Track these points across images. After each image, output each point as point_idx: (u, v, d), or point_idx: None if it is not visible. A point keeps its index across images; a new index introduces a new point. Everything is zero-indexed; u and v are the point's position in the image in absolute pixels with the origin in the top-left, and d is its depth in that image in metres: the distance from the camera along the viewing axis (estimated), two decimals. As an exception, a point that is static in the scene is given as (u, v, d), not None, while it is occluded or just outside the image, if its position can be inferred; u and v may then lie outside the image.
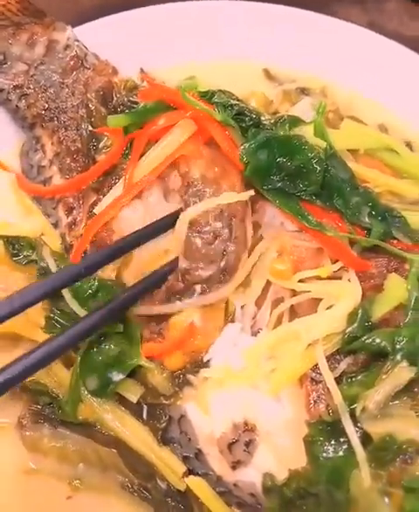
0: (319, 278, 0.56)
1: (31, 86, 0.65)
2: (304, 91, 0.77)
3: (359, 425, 0.44)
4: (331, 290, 0.53)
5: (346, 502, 0.43)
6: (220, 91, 0.61)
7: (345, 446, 0.44)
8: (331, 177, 0.59)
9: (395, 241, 0.60)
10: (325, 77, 0.80)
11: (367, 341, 0.48)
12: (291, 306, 0.56)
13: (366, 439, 0.44)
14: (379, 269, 0.57)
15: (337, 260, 0.56)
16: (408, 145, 0.78)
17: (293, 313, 0.55)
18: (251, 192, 0.55)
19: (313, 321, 0.52)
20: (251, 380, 0.52)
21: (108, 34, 0.72)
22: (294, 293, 0.56)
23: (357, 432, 0.44)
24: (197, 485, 0.50)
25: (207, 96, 0.61)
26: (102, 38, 0.71)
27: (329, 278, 0.56)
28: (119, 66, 0.72)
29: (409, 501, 0.43)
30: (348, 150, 0.69)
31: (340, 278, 0.55)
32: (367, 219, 0.60)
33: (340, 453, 0.44)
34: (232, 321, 0.56)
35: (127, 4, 0.86)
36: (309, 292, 0.54)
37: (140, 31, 0.74)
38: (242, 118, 0.59)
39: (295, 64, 0.80)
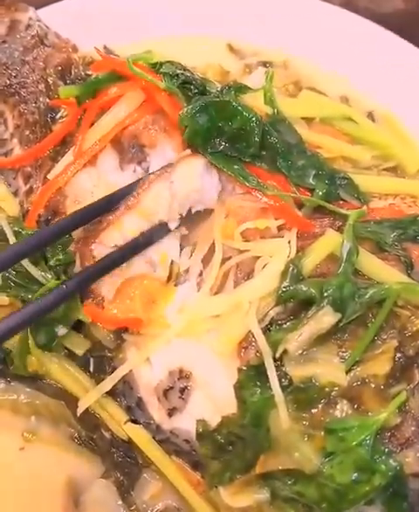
0: (262, 237, 0.59)
1: (-7, 63, 0.69)
2: (265, 64, 0.80)
3: (282, 368, 0.46)
4: (266, 248, 0.55)
5: (267, 442, 0.45)
6: (169, 62, 0.64)
7: (268, 390, 0.46)
8: (275, 141, 0.62)
9: (343, 202, 0.63)
10: (288, 51, 0.83)
11: (295, 289, 0.50)
12: (237, 265, 0.59)
13: (287, 381, 0.46)
14: (323, 228, 0.59)
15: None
16: (370, 115, 0.80)
17: (240, 268, 0.58)
18: (188, 151, 0.58)
19: (251, 285, 0.54)
20: (192, 335, 0.55)
21: (72, 14, 0.76)
22: (239, 251, 0.59)
23: (280, 375, 0.46)
24: (136, 433, 0.52)
25: (155, 67, 0.64)
26: (66, 17, 0.75)
27: (274, 237, 0.59)
28: (83, 45, 0.76)
29: (331, 443, 0.45)
30: (304, 119, 0.72)
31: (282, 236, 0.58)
32: (312, 181, 0.62)
33: (264, 396, 0.46)
34: (176, 283, 0.59)
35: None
36: (249, 251, 0.57)
37: (104, 9, 0.77)
38: (188, 86, 0.62)
39: (259, 39, 0.83)
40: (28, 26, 0.72)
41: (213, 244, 0.60)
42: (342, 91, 0.79)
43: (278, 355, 0.46)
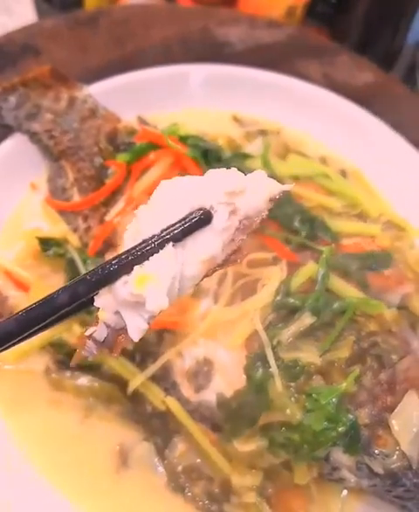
0: (262, 265, 0.88)
1: (57, 130, 0.98)
2: (262, 132, 1.11)
3: (277, 354, 0.74)
4: (265, 273, 0.84)
5: (266, 404, 0.73)
6: (192, 136, 0.95)
7: (267, 368, 0.74)
8: (271, 195, 0.92)
9: (320, 239, 0.93)
10: (280, 121, 1.14)
11: (285, 301, 0.78)
12: (243, 285, 0.87)
13: (281, 362, 0.74)
14: (305, 259, 0.88)
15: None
16: (343, 172, 1.11)
17: (245, 288, 0.86)
18: None
19: (255, 298, 0.82)
20: (213, 336, 0.82)
21: (115, 90, 1.06)
22: (245, 274, 0.87)
23: (275, 358, 0.74)
24: (173, 403, 0.79)
25: (182, 139, 0.95)
26: (110, 93, 1.05)
27: (270, 265, 0.88)
28: (122, 114, 1.06)
29: (309, 402, 0.73)
30: (291, 177, 1.02)
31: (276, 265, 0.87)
32: (297, 225, 0.92)
33: (264, 372, 0.74)
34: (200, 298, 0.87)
35: (126, 63, 1.22)
36: (252, 275, 0.85)
37: (138, 87, 1.08)
38: (207, 154, 0.93)
39: (258, 111, 1.14)
40: (83, 101, 1.02)
41: (226, 270, 0.89)
42: (321, 153, 1.10)
43: (274, 344, 0.74)
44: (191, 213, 0.49)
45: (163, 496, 0.82)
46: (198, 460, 0.82)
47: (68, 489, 0.82)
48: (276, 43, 1.37)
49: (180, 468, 0.83)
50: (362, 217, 1.02)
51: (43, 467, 0.83)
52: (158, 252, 0.48)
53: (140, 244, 0.48)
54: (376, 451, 0.75)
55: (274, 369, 0.72)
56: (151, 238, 0.48)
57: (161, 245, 0.48)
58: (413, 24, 1.58)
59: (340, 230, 0.95)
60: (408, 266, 0.99)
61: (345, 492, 0.85)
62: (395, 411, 0.76)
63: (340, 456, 0.76)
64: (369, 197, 1.05)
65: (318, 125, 1.12)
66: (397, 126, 1.20)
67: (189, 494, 0.82)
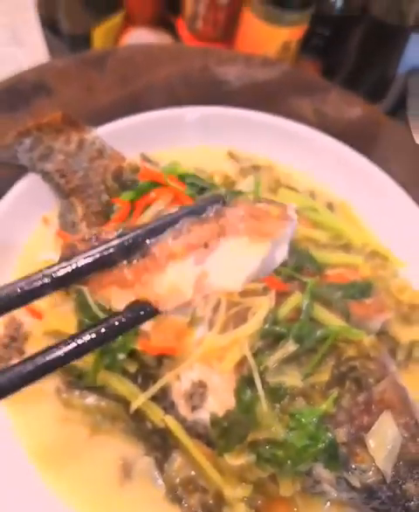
0: (253, 294, 0.98)
1: (68, 170, 1.09)
2: (255, 167, 1.21)
3: (263, 378, 0.84)
4: (255, 302, 0.93)
5: (254, 423, 0.82)
6: (190, 175, 1.05)
7: (255, 391, 0.83)
8: (261, 230, 1.02)
9: (306, 270, 1.02)
10: (272, 157, 1.24)
11: (272, 329, 0.88)
12: (235, 313, 0.97)
13: (267, 386, 0.83)
14: (293, 289, 0.98)
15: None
16: (330, 205, 1.21)
17: (237, 316, 0.96)
18: None
19: (245, 327, 0.92)
20: (207, 361, 0.92)
21: (120, 131, 1.17)
22: (237, 303, 0.97)
23: (262, 381, 0.83)
24: (171, 421, 0.89)
25: (181, 178, 1.05)
26: (116, 134, 1.16)
27: (260, 295, 0.97)
28: (127, 152, 1.17)
29: (292, 422, 0.82)
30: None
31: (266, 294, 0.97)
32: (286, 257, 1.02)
33: (252, 394, 0.83)
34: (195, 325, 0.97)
35: (131, 102, 1.33)
36: (244, 303, 0.95)
37: (141, 127, 1.19)
38: (203, 192, 1.03)
39: (251, 148, 1.25)
40: (92, 143, 1.13)
41: (219, 299, 0.98)
42: (310, 187, 1.21)
43: (261, 369, 0.83)
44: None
45: (162, 507, 0.92)
46: (194, 473, 0.91)
47: (74, 501, 0.92)
48: (270, 80, 1.48)
49: (178, 481, 0.92)
50: (347, 247, 1.12)
51: (51, 480, 0.93)
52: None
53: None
54: (354, 466, 0.84)
55: (261, 392, 0.82)
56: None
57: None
58: (405, 53, 1.69)
59: (325, 260, 1.05)
60: (390, 293, 1.09)
61: (328, 504, 0.94)
62: (371, 429, 0.85)
63: (321, 471, 0.85)
64: (354, 229, 1.15)
65: (307, 161, 1.22)
66: (382, 159, 1.30)
67: (186, 505, 0.91)
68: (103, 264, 0.80)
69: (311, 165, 1.22)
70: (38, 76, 1.46)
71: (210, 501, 0.91)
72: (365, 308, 0.98)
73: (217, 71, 1.47)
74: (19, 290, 0.69)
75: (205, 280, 0.86)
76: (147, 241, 0.81)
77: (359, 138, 1.35)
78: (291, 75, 1.45)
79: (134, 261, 0.83)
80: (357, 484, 0.84)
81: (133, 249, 0.81)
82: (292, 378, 0.84)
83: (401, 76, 1.76)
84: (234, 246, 0.87)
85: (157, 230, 0.79)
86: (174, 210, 0.88)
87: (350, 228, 1.14)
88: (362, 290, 1.00)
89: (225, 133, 1.22)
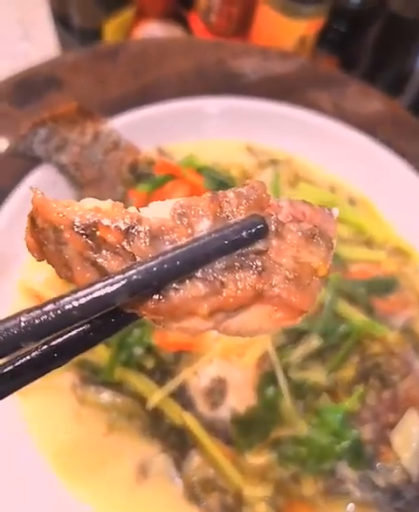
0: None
1: (83, 162, 1.10)
2: (273, 161, 1.21)
3: (286, 374, 0.84)
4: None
5: (276, 419, 0.82)
6: (207, 167, 1.06)
7: (277, 387, 0.83)
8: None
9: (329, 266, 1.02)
10: (291, 151, 1.25)
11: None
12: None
13: (290, 381, 0.83)
14: (314, 285, 0.98)
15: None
16: (351, 200, 1.21)
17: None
18: None
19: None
20: (227, 357, 0.92)
21: (135, 123, 1.18)
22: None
23: (284, 377, 0.83)
24: (189, 419, 0.89)
25: (199, 170, 1.06)
26: (131, 126, 1.17)
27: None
28: (142, 146, 1.17)
29: (316, 419, 0.82)
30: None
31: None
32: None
33: (275, 391, 0.83)
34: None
35: (144, 94, 1.34)
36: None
37: (157, 120, 1.19)
38: (221, 185, 1.03)
39: (270, 141, 1.25)
40: (107, 135, 1.13)
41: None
42: (330, 181, 1.21)
43: (283, 364, 0.83)
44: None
45: (180, 506, 0.92)
46: (213, 473, 0.91)
47: (90, 499, 0.92)
48: (288, 73, 1.49)
49: (196, 480, 0.92)
50: (369, 243, 1.12)
51: (66, 479, 0.93)
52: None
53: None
54: (379, 465, 0.84)
55: (284, 387, 0.82)
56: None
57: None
58: (422, 49, 1.69)
59: (347, 256, 1.05)
60: (413, 290, 1.09)
61: (350, 506, 0.94)
62: (396, 427, 0.85)
63: (345, 470, 0.85)
64: (376, 224, 1.15)
65: (328, 155, 1.22)
66: (403, 153, 1.30)
67: (204, 504, 0.91)
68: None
69: (331, 159, 1.22)
70: (50, 70, 1.47)
71: (230, 501, 0.91)
72: (389, 304, 0.98)
73: (232, 64, 1.47)
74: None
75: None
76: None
77: (377, 132, 1.35)
78: (309, 68, 1.46)
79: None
80: (382, 483, 0.84)
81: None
82: (316, 374, 0.84)
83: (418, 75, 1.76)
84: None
85: (178, 269, 0.52)
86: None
87: (372, 223, 1.14)
88: (386, 286, 1.00)
89: (243, 126, 1.22)
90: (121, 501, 0.91)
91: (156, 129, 1.19)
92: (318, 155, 1.23)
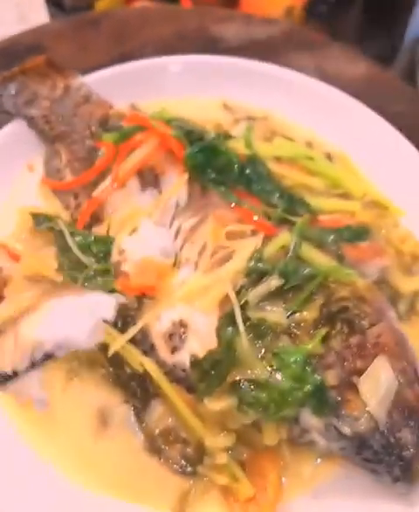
0: (240, 238, 0.92)
1: (53, 116, 1.06)
2: (250, 118, 1.16)
3: (245, 314, 0.78)
4: (241, 245, 0.88)
5: (234, 361, 0.76)
6: (176, 119, 1.01)
7: (236, 328, 0.78)
8: (250, 173, 0.97)
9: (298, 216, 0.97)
10: (269, 108, 1.20)
11: (256, 267, 0.82)
12: (221, 256, 0.91)
13: (248, 322, 0.78)
14: (282, 232, 0.92)
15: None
16: (328, 156, 1.15)
17: (223, 258, 0.90)
18: (186, 175, 0.94)
19: (228, 265, 0.87)
20: (189, 301, 0.87)
21: (109, 80, 1.14)
22: (224, 247, 0.92)
23: (243, 317, 0.77)
24: (149, 365, 0.84)
25: (168, 122, 1.01)
26: (104, 82, 1.13)
27: (248, 237, 0.92)
28: (116, 103, 1.13)
29: (275, 361, 0.76)
30: (276, 158, 1.07)
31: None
32: (276, 200, 0.97)
33: (234, 331, 0.78)
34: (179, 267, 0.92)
35: (126, 61, 1.30)
36: (230, 247, 0.90)
37: (131, 76, 1.16)
38: (190, 134, 0.99)
39: (247, 99, 1.20)
40: (77, 89, 1.10)
41: (205, 242, 0.94)
42: (308, 138, 1.15)
43: (241, 302, 0.78)
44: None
45: (141, 458, 0.86)
46: (174, 423, 0.86)
47: (49, 450, 0.87)
48: (269, 38, 1.44)
49: (157, 431, 0.87)
50: (345, 197, 1.06)
51: (25, 429, 0.88)
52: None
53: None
54: (344, 412, 0.77)
55: (241, 327, 0.76)
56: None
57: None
58: (411, 19, 1.63)
59: (320, 206, 0.99)
60: (390, 243, 1.02)
61: (319, 460, 0.87)
62: (364, 374, 0.78)
63: (309, 418, 0.78)
64: (353, 179, 1.09)
65: (305, 111, 1.16)
66: (386, 115, 1.24)
67: (166, 456, 0.86)
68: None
69: (309, 116, 1.16)
70: (34, 38, 1.44)
71: (191, 452, 0.85)
72: (360, 252, 0.92)
73: (214, 29, 1.42)
74: None
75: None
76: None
77: (361, 95, 1.29)
78: (292, 32, 1.40)
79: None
80: (348, 432, 0.77)
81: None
82: (276, 314, 0.79)
83: (408, 43, 1.69)
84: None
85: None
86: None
87: (349, 177, 1.08)
88: (358, 234, 0.94)
89: (218, 83, 1.17)
90: (80, 451, 0.85)
91: (128, 86, 1.15)
92: (295, 111, 1.17)
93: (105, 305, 0.87)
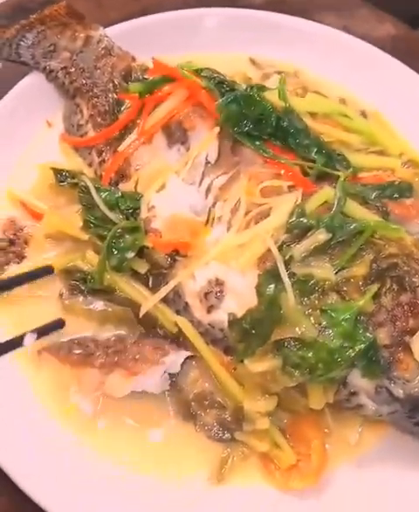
0: (276, 194, 0.86)
1: (73, 68, 0.99)
2: (279, 73, 1.09)
3: (289, 270, 0.72)
4: (279, 201, 0.81)
5: (279, 319, 0.70)
6: (207, 68, 0.94)
7: (280, 285, 0.71)
8: (287, 125, 0.89)
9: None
10: (298, 64, 1.12)
11: (299, 221, 0.76)
12: (257, 213, 0.85)
13: (294, 278, 0.71)
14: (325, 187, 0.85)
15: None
16: (363, 113, 1.08)
17: (259, 216, 0.84)
18: (217, 128, 0.86)
19: (267, 221, 0.80)
20: (225, 260, 0.80)
21: (131, 33, 1.06)
22: (259, 205, 0.85)
23: (288, 274, 0.71)
24: (184, 324, 0.78)
25: (197, 72, 0.93)
26: (126, 36, 1.05)
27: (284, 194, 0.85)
28: (138, 57, 1.06)
29: (324, 318, 0.70)
30: (309, 113, 1.00)
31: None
32: (314, 156, 0.89)
33: (277, 288, 0.71)
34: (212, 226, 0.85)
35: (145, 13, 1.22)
36: (267, 203, 0.83)
37: (154, 30, 1.08)
38: (221, 85, 0.91)
39: (275, 55, 1.13)
40: (99, 41, 1.02)
41: (239, 199, 0.87)
42: (340, 95, 1.08)
43: (286, 257, 0.71)
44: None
45: (174, 425, 0.81)
46: (210, 387, 0.80)
47: (70, 415, 0.81)
48: (296, -4, 1.36)
49: (191, 396, 0.81)
50: (382, 154, 0.99)
51: (45, 389, 0.82)
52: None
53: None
54: (397, 374, 0.71)
55: (286, 282, 0.70)
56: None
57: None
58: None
59: (359, 163, 0.92)
60: (431, 203, 0.96)
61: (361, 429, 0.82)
62: (418, 333, 0.72)
63: (359, 380, 0.72)
64: (390, 137, 1.02)
65: (337, 67, 1.09)
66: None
67: (201, 422, 0.80)
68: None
69: (342, 73, 1.09)
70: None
71: (228, 418, 0.79)
72: (405, 209, 0.85)
73: (239, -13, 1.35)
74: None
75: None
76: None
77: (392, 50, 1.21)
78: (318, -10, 1.33)
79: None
80: (400, 394, 0.71)
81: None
82: (324, 270, 0.72)
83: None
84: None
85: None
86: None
87: (385, 135, 1.01)
88: (401, 190, 0.87)
89: (245, 38, 1.10)
90: (109, 415, 0.80)
91: (153, 40, 1.07)
92: (327, 68, 1.10)
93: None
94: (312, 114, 0.99)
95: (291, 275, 0.72)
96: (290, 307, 0.70)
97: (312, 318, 0.70)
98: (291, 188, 0.85)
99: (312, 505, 0.76)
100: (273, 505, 0.77)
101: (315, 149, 0.89)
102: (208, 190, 0.90)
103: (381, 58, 1.08)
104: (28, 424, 0.79)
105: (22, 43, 0.98)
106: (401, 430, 0.78)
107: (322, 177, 0.87)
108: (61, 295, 0.85)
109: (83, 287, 0.84)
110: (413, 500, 0.78)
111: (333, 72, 1.10)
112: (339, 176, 0.80)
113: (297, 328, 0.70)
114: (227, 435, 0.79)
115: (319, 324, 0.70)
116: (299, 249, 0.72)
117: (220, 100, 0.87)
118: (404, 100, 1.06)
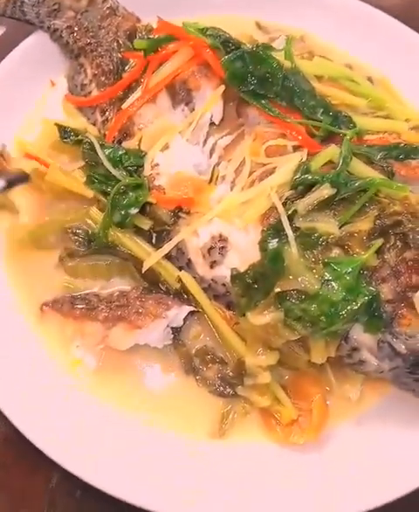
0: (281, 154, 0.84)
1: (77, 27, 0.97)
2: (286, 37, 1.06)
3: (293, 224, 0.71)
4: (283, 161, 0.80)
5: (282, 271, 0.69)
6: (212, 27, 0.91)
7: (283, 239, 0.70)
8: (293, 86, 0.87)
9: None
10: (305, 29, 1.10)
11: (304, 178, 0.74)
12: (261, 173, 0.83)
13: (297, 231, 0.70)
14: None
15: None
16: (369, 79, 1.06)
17: (263, 175, 0.82)
18: (223, 87, 0.85)
19: (271, 178, 0.79)
20: (228, 218, 0.79)
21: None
22: (263, 165, 0.84)
23: (291, 228, 0.70)
24: (187, 278, 0.77)
25: (202, 31, 0.91)
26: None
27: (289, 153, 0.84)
28: (143, 19, 1.03)
29: (327, 271, 0.69)
30: (317, 77, 0.98)
31: (296, 153, 0.83)
32: (320, 116, 0.88)
33: (280, 242, 0.70)
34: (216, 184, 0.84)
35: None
36: (271, 163, 0.82)
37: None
38: (227, 44, 0.89)
39: (282, 19, 1.10)
40: (104, 0, 1.00)
41: (244, 159, 0.85)
42: (347, 60, 1.06)
43: (289, 212, 0.70)
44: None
45: (175, 379, 0.80)
46: (212, 343, 0.79)
47: (73, 366, 0.81)
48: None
49: (193, 351, 0.80)
50: (388, 118, 0.97)
51: (48, 342, 0.82)
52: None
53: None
54: (399, 329, 0.71)
55: (290, 235, 0.69)
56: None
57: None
58: None
59: (365, 126, 0.90)
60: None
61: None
62: (421, 289, 0.71)
63: (361, 335, 0.72)
64: (395, 101, 1.00)
65: (344, 33, 1.07)
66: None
67: (202, 377, 0.79)
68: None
69: (348, 39, 1.07)
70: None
71: (230, 374, 0.79)
72: (410, 169, 0.84)
73: None
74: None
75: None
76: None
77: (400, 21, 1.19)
78: None
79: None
80: (402, 349, 0.70)
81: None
82: (327, 225, 0.71)
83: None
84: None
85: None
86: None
87: (392, 101, 0.99)
88: (407, 152, 0.85)
89: (253, 1, 1.08)
90: (114, 368, 0.79)
91: (158, 2, 1.05)
92: (333, 33, 1.08)
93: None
94: (319, 78, 0.97)
95: (295, 229, 0.71)
96: (293, 260, 0.69)
97: (314, 271, 0.69)
98: (296, 148, 0.84)
99: (313, 460, 0.76)
100: (274, 459, 0.77)
101: (321, 110, 0.88)
102: (212, 150, 0.89)
103: (386, 23, 1.06)
104: (31, 373, 0.78)
105: (26, 1, 0.96)
106: (401, 388, 0.77)
107: (328, 138, 0.86)
108: (62, 259, 0.84)
109: (83, 249, 0.84)
110: (412, 456, 0.78)
111: (341, 37, 1.08)
112: (344, 137, 0.79)
113: (299, 280, 0.69)
114: (228, 390, 0.78)
115: (322, 277, 0.69)
116: (304, 203, 0.71)
117: (225, 57, 0.85)
118: (411, 67, 1.04)
